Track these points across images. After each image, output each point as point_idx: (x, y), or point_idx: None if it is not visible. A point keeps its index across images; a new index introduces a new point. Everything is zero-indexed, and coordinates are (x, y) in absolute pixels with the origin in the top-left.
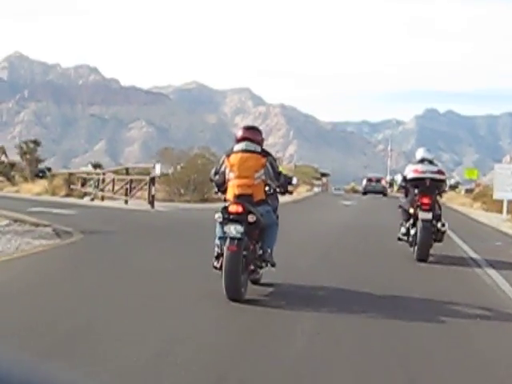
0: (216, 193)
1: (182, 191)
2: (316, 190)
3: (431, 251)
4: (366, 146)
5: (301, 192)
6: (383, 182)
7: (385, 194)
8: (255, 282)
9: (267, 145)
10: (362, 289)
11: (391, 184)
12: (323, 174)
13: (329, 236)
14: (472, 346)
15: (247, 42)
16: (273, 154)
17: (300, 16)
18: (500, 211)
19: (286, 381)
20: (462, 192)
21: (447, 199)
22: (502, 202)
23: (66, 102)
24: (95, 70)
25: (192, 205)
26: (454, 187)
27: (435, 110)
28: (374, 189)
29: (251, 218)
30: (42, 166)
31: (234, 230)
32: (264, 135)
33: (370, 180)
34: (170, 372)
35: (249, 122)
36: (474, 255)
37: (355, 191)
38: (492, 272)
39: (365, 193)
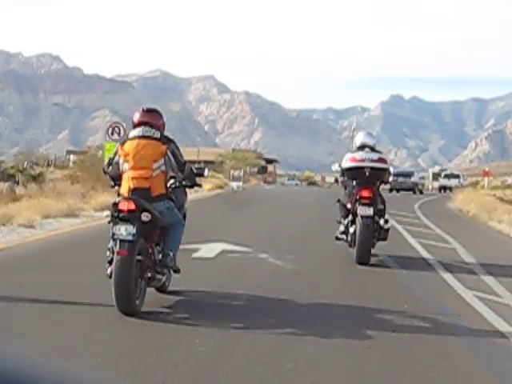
0: (112, 186)
1: None
2: (234, 185)
3: (376, 251)
4: (331, 133)
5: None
6: (415, 178)
7: (415, 192)
8: (161, 291)
9: (232, 133)
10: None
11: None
12: (269, 161)
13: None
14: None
15: (211, 29)
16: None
17: (264, 2)
18: None
19: None
20: (485, 187)
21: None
22: None
23: (29, 91)
24: (58, 59)
25: None
26: (436, 175)
27: (400, 96)
28: (402, 186)
29: (145, 217)
30: None
31: (124, 230)
32: (228, 123)
33: (397, 175)
34: None
35: (213, 110)
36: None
37: (312, 182)
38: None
39: (391, 190)
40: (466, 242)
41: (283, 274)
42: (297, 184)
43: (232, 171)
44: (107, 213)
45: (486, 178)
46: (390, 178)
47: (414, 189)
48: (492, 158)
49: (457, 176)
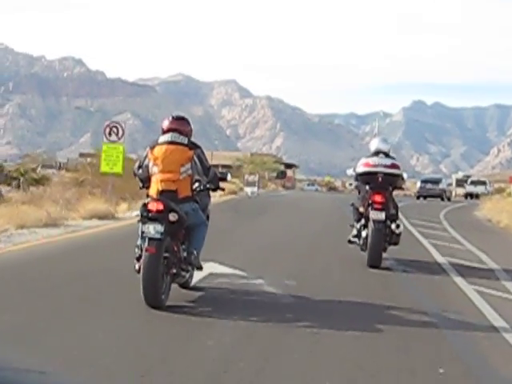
0: (140, 188)
1: None
2: (249, 191)
3: (387, 255)
4: (353, 139)
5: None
6: (442, 184)
7: (443, 199)
8: (184, 287)
9: (254, 137)
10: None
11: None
12: (288, 165)
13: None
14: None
15: (234, 34)
16: (259, 146)
17: (287, 8)
18: None
19: None
20: None
21: None
22: None
23: (51, 94)
24: (80, 62)
25: None
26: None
27: (423, 102)
28: (430, 192)
29: (172, 217)
30: None
31: (153, 229)
32: (250, 127)
33: (425, 182)
34: None
35: (235, 115)
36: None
37: (332, 188)
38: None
39: (419, 197)
40: (502, 261)
41: (275, 311)
42: (317, 189)
43: (246, 176)
44: (137, 212)
45: None
46: (404, 185)
47: (441, 196)
48: None
49: (483, 182)
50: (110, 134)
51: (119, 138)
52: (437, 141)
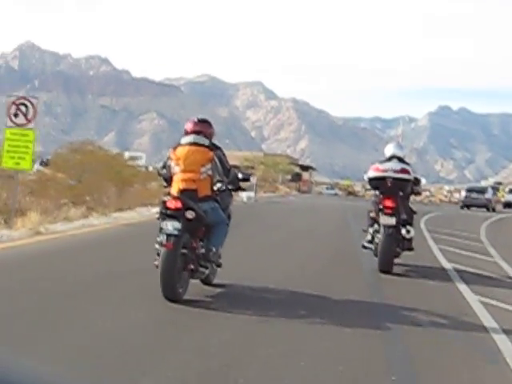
0: (165, 187)
1: None
2: (244, 196)
3: (404, 261)
4: (378, 142)
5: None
6: (488, 194)
7: (488, 209)
8: (206, 283)
9: (279, 139)
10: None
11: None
12: (304, 168)
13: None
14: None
15: (260, 35)
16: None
17: (315, 11)
18: None
19: None
20: None
21: None
22: None
23: (77, 92)
24: (106, 61)
25: None
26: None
27: (448, 107)
28: (474, 202)
29: (190, 215)
30: None
31: (170, 226)
32: (275, 129)
33: (470, 191)
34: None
35: (260, 116)
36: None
37: (351, 193)
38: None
39: (463, 207)
40: None
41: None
42: (336, 193)
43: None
44: (157, 209)
45: None
46: (420, 189)
47: (487, 206)
48: None
49: None
50: (15, 115)
51: (29, 121)
52: (462, 146)
